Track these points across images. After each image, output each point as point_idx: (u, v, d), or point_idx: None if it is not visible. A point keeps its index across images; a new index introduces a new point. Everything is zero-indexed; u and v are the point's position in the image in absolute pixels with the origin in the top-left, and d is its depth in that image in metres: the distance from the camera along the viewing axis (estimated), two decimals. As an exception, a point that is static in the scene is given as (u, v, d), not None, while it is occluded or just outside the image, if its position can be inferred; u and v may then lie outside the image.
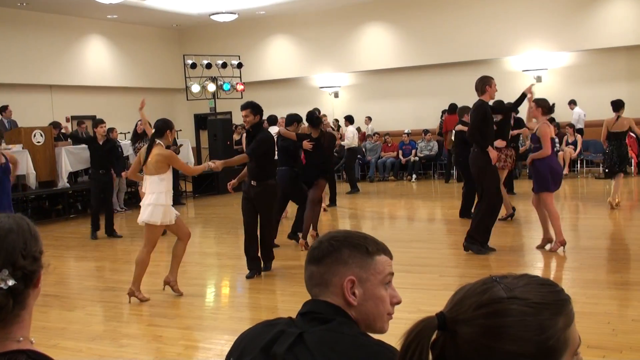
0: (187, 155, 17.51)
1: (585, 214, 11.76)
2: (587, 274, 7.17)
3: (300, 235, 9.40)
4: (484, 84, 8.08)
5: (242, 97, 18.66)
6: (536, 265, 7.75)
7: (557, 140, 14.83)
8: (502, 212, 9.95)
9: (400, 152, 19.03)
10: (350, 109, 20.82)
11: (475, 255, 8.10)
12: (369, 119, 20.33)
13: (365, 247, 1.87)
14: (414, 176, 18.56)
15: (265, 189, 7.60)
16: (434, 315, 1.16)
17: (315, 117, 9.95)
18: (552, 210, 8.00)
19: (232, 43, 21.94)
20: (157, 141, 6.88)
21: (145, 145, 7.04)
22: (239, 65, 19.33)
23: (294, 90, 22.13)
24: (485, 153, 8.05)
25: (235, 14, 20.27)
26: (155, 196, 6.77)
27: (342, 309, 1.80)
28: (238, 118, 21.19)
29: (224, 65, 19.01)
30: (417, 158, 18.67)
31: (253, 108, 7.60)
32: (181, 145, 16.82)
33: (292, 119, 9.94)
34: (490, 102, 8.52)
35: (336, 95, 22.05)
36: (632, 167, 16.20)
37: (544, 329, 1.08)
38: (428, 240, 9.78)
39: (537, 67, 18.99)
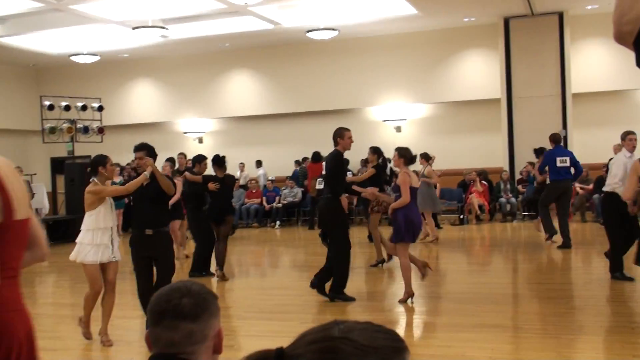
0: (41, 201, 16.73)
1: (443, 260, 12.17)
2: (442, 318, 7.39)
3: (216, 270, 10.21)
4: (336, 136, 8.41)
5: (102, 141, 18.16)
6: (394, 310, 7.90)
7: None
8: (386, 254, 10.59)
9: (264, 198, 19.04)
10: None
11: (336, 302, 8.17)
12: (243, 165, 20.25)
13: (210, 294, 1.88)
14: (278, 223, 18.61)
15: (164, 236, 7.02)
16: (274, 348, 1.23)
17: (220, 158, 10.46)
18: (403, 262, 8.00)
19: (93, 85, 21.36)
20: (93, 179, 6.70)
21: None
22: (100, 108, 18.81)
23: (157, 134, 21.71)
24: (337, 200, 8.26)
25: (96, 55, 19.78)
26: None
27: None
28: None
29: (84, 107, 18.43)
30: (280, 204, 18.74)
31: (149, 150, 6.98)
32: (35, 193, 16.04)
33: (196, 160, 10.67)
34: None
35: (200, 140, 21.90)
36: (485, 214, 17.05)
37: None
38: (290, 287, 9.77)
39: (397, 118, 19.74)
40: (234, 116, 21.17)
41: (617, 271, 8.70)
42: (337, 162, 8.37)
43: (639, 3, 1.56)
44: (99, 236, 6.60)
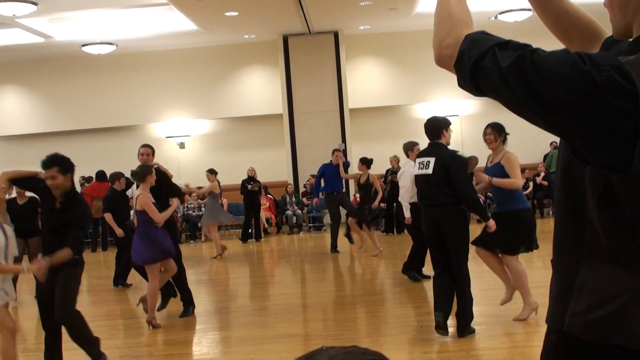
0: None
1: (233, 274, 12.13)
2: (237, 332, 7.34)
3: None
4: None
5: None
6: (187, 331, 7.73)
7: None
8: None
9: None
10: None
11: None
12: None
13: None
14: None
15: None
16: None
17: None
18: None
19: None
20: None
21: None
22: None
23: None
24: None
25: None
26: None
27: None
28: None
29: None
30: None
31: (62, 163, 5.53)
32: None
33: None
34: None
35: (-35, 162, 20.06)
36: (272, 227, 17.28)
37: None
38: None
39: (181, 134, 19.48)
40: (1, 135, 19.66)
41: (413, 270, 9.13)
42: None
43: (456, 29, 1.65)
44: None
